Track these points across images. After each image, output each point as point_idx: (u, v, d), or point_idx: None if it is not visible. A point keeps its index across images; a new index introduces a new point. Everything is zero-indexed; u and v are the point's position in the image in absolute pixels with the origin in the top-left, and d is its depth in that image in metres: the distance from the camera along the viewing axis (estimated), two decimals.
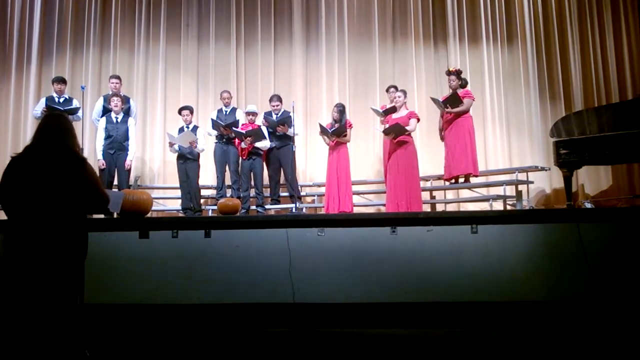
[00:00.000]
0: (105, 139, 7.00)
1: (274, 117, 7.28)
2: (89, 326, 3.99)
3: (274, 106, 7.32)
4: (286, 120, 7.01)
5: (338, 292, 5.04)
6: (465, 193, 7.74)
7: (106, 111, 7.22)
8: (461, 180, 7.01)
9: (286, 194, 7.43)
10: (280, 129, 7.08)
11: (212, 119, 7.26)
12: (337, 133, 6.76)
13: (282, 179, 7.43)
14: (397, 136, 6.52)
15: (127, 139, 7.06)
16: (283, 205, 7.41)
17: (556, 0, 8.69)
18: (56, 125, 3.20)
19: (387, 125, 6.78)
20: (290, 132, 7.05)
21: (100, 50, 8.60)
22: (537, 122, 8.39)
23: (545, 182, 8.14)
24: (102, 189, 3.27)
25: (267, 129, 7.18)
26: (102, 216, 5.39)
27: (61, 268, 3.05)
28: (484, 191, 7.54)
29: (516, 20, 8.69)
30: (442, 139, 7.12)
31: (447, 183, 7.25)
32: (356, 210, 7.13)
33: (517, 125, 8.45)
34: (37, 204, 3.03)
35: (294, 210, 6.73)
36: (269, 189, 7.43)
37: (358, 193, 7.72)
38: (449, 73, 7.21)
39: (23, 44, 8.46)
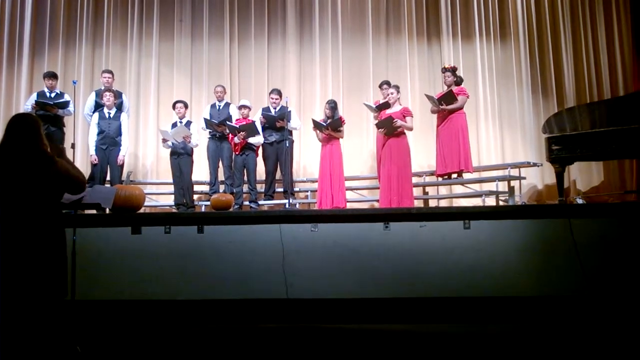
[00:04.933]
0: (98, 134, 6.96)
1: (273, 111, 7.26)
2: (80, 322, 3.98)
3: (273, 99, 7.28)
4: (285, 116, 6.99)
5: (331, 287, 5.05)
6: (458, 189, 7.77)
7: (98, 106, 7.18)
8: (454, 176, 7.04)
9: (280, 189, 7.42)
10: (279, 123, 7.07)
11: (205, 119, 7.23)
12: (332, 126, 6.75)
13: (278, 175, 7.41)
14: (391, 131, 6.52)
15: (119, 134, 7.02)
16: (276, 200, 7.40)
17: None
18: (22, 125, 3.24)
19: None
20: (289, 126, 7.03)
21: (92, 46, 8.54)
22: (529, 118, 8.41)
23: (538, 177, 8.18)
24: (75, 175, 3.30)
25: (264, 125, 7.16)
26: (94, 212, 5.36)
27: (39, 266, 3.07)
28: (476, 187, 7.57)
29: (509, 17, 8.70)
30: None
31: (440, 179, 7.28)
32: (349, 206, 7.13)
33: (510, 121, 8.48)
34: (8, 204, 3.07)
35: (287, 206, 6.72)
36: (262, 185, 7.42)
37: (351, 189, 7.72)
38: (444, 70, 7.23)
39: (14, 38, 8.38)
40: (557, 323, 4.67)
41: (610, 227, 5.05)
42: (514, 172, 7.28)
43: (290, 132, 7.22)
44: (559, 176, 6.07)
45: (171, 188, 7.36)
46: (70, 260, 3.63)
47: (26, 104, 7.11)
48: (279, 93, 7.34)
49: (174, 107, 7.29)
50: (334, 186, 6.75)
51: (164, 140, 7.12)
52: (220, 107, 7.43)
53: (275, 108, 7.28)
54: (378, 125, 6.69)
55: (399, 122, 6.48)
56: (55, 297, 3.15)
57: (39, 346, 3.06)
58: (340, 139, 6.94)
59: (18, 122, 3.27)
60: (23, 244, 3.05)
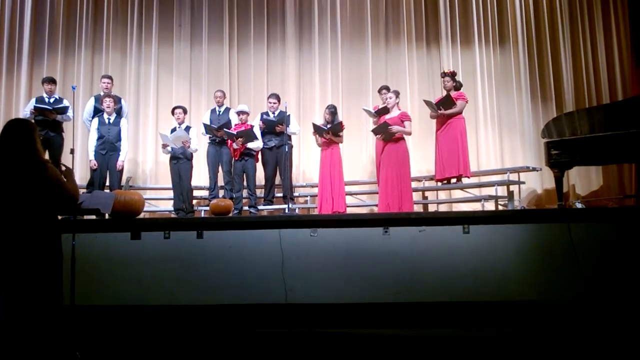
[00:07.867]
0: (98, 139, 6.96)
1: (271, 115, 7.27)
2: (80, 328, 3.97)
3: (271, 103, 7.29)
4: (283, 120, 6.99)
5: (330, 292, 5.05)
6: (457, 193, 7.77)
7: (97, 111, 7.18)
8: (453, 180, 7.04)
9: (279, 194, 7.42)
10: (279, 128, 7.07)
11: (204, 124, 7.24)
12: (333, 130, 6.76)
13: (277, 180, 7.41)
14: (389, 137, 6.53)
15: (119, 139, 7.02)
16: (276, 205, 7.40)
17: (547, 3, 8.74)
18: (16, 130, 3.23)
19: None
20: (288, 131, 7.04)
21: (92, 51, 8.56)
22: (528, 122, 8.43)
23: (537, 182, 8.18)
24: (67, 187, 3.30)
25: (263, 130, 7.16)
26: (93, 217, 5.36)
27: (33, 271, 3.06)
28: (476, 191, 7.57)
29: (508, 22, 8.73)
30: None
31: (439, 184, 7.28)
32: (349, 210, 7.13)
33: (509, 126, 8.49)
34: (1, 209, 3.07)
35: (286, 211, 6.72)
36: (261, 190, 7.41)
37: (351, 194, 7.72)
38: (443, 74, 7.26)
39: (14, 44, 8.39)
40: (556, 327, 4.67)
41: (609, 231, 5.05)
42: (513, 176, 7.28)
43: (290, 137, 7.23)
44: (558, 181, 6.08)
45: (170, 193, 7.35)
46: (69, 265, 3.62)
47: (25, 110, 7.11)
48: (277, 97, 7.35)
49: (173, 112, 7.29)
50: (334, 191, 6.75)
51: (164, 146, 7.12)
52: (221, 113, 7.43)
53: (273, 112, 7.28)
54: (374, 131, 6.70)
55: (395, 128, 6.50)
56: (50, 303, 3.13)
57: (37, 352, 3.05)
58: (340, 144, 6.95)
59: (12, 127, 3.27)
60: (16, 249, 3.03)
